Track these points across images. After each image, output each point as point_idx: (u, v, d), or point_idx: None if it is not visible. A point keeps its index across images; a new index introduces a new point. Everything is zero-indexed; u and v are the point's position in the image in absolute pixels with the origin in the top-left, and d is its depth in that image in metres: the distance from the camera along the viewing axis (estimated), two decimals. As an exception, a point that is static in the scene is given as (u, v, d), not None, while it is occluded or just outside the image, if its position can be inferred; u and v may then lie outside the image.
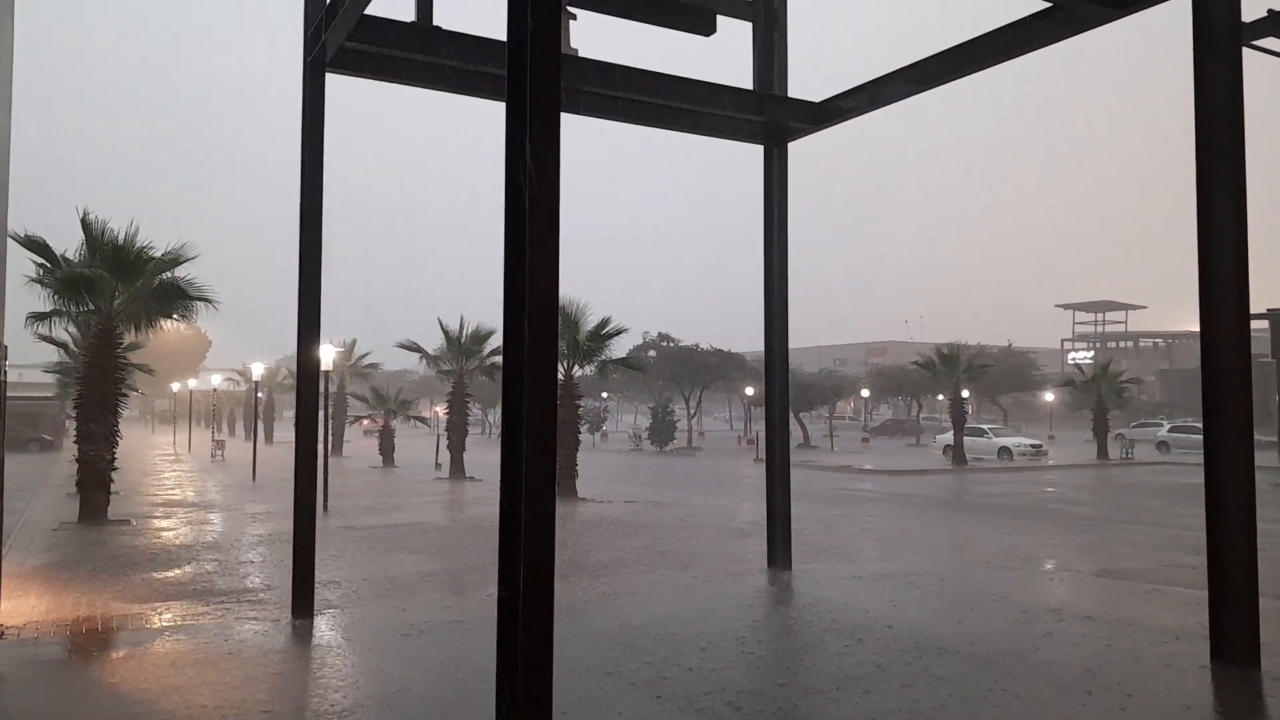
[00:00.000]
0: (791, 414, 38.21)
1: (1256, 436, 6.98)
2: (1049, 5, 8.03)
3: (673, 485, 27.25)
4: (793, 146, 11.19)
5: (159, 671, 6.82)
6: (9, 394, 9.03)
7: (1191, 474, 28.77)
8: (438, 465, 32.56)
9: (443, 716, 5.80)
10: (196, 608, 9.30)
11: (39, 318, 17.79)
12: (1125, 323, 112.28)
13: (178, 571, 11.52)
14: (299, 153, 8.94)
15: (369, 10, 7.98)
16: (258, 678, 6.65)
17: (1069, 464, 36.83)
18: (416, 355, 30.78)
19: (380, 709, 5.94)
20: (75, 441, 17.13)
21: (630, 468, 36.07)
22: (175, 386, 62.07)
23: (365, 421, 37.72)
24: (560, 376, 23.21)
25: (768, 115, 10.71)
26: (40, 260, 16.82)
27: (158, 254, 17.27)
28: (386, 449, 34.83)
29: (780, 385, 11.34)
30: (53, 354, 29.64)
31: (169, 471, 31.64)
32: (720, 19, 10.24)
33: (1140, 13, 7.81)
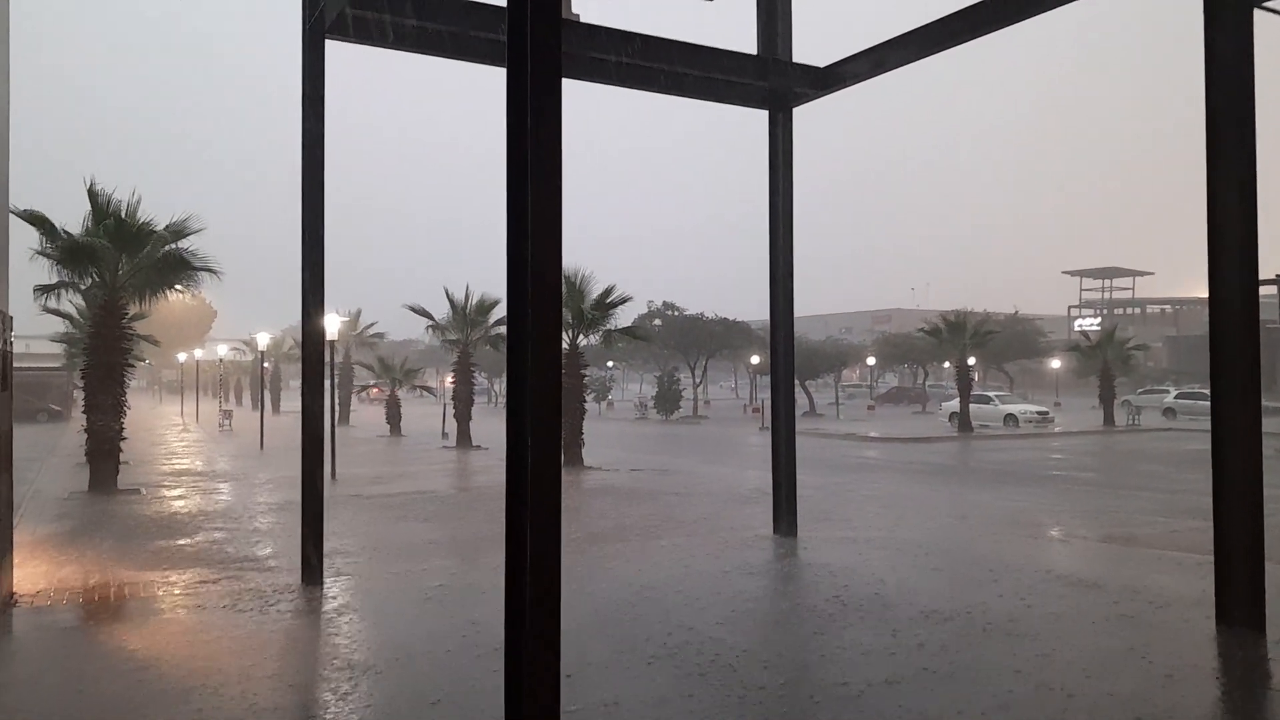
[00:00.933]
0: (797, 382, 38.24)
1: (1264, 402, 6.96)
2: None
3: (678, 453, 27.33)
4: (798, 112, 11.09)
5: (170, 637, 6.91)
6: (16, 365, 9.07)
7: (1197, 440, 28.76)
8: (444, 434, 32.70)
9: (452, 680, 5.87)
10: (207, 575, 9.40)
11: (45, 290, 17.83)
12: (1132, 289, 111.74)
13: (187, 540, 11.63)
14: (300, 120, 8.90)
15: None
16: (268, 643, 6.73)
17: (1075, 430, 36.84)
18: (422, 325, 30.81)
19: (390, 671, 6.01)
20: (83, 412, 17.23)
21: (636, 436, 36.19)
22: (181, 357, 62.24)
23: (375, 390, 37.78)
24: (565, 346, 23.27)
25: (771, 80, 10.61)
26: (41, 235, 16.81)
27: (160, 226, 17.26)
28: (393, 418, 34.96)
29: (785, 353, 11.33)
30: (59, 324, 29.73)
31: (177, 441, 31.83)
32: (724, -17, 10.11)
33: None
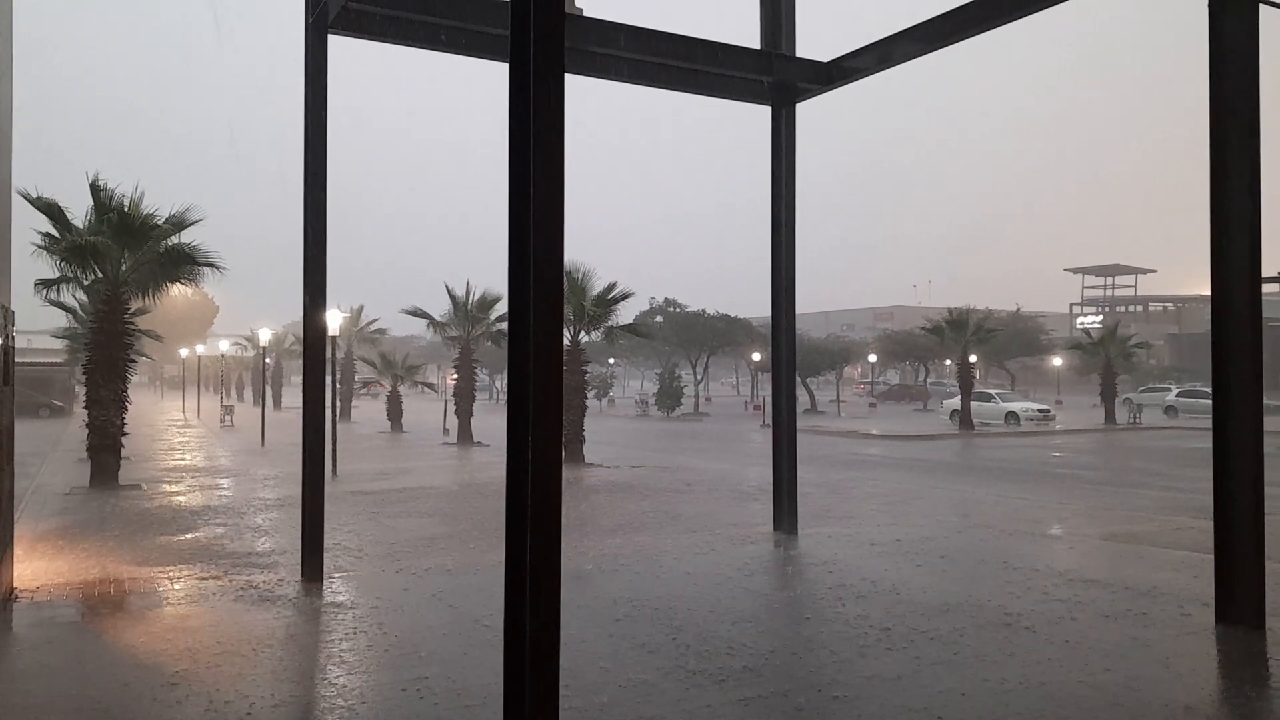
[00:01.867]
0: (798, 379, 38.16)
1: (1266, 401, 6.94)
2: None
3: (680, 450, 27.32)
4: (802, 108, 11.07)
5: (171, 633, 6.91)
6: (18, 359, 9.06)
7: (1199, 438, 28.73)
8: (446, 431, 32.70)
9: (453, 675, 5.87)
10: (208, 571, 9.39)
11: (47, 284, 17.83)
12: (1135, 287, 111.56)
13: (189, 535, 11.63)
14: (302, 115, 8.88)
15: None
16: (268, 638, 6.73)
17: (1076, 428, 36.80)
18: (424, 321, 30.80)
19: (390, 667, 6.01)
20: (85, 407, 17.23)
21: (637, 433, 36.17)
22: (183, 352, 62.29)
23: (382, 384, 37.80)
24: (567, 342, 23.25)
25: (775, 75, 10.58)
26: (46, 231, 16.80)
27: (162, 220, 17.25)
28: (394, 414, 34.94)
29: (787, 350, 11.32)
30: (61, 319, 29.74)
31: (178, 437, 31.84)
32: (727, -22, 10.09)
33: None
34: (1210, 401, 7.06)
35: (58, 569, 9.37)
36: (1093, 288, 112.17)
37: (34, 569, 9.27)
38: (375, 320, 48.42)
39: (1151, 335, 75.21)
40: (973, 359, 39.03)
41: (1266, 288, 7.57)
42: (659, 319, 57.38)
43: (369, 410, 46.58)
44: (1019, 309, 74.33)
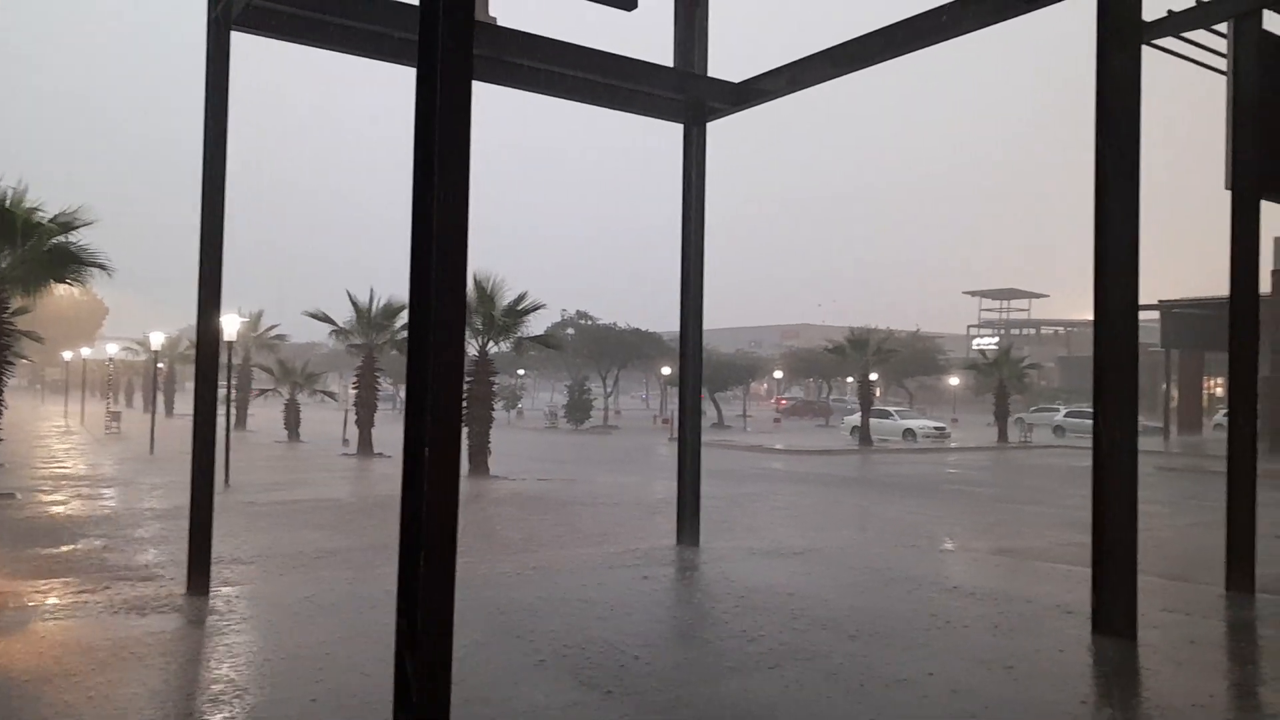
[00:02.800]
0: (705, 393, 38.48)
1: (1143, 422, 7.31)
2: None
3: (587, 463, 27.27)
4: (713, 127, 11.21)
5: (41, 652, 6.53)
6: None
7: (1084, 457, 30.07)
8: (345, 441, 31.90)
9: (339, 690, 5.69)
10: (85, 585, 8.92)
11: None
12: (1029, 310, 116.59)
13: (66, 547, 11.04)
14: (202, 114, 8.57)
15: (277, -35, 7.67)
16: (146, 655, 6.42)
17: (971, 446, 38.16)
18: (325, 329, 30.04)
19: (274, 684, 5.79)
20: (-46, 411, 16.23)
21: (545, 445, 35.95)
22: (68, 355, 59.30)
23: (281, 392, 36.70)
24: (475, 352, 23.00)
25: (687, 94, 10.70)
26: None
27: (48, 217, 16.42)
28: (292, 423, 33.95)
29: (694, 365, 11.41)
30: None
31: (59, 444, 30.26)
32: (642, -6, 10.15)
33: (1052, 6, 8.00)
34: (1092, 421, 7.40)
35: (-83, 583, 8.78)
36: (989, 310, 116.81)
37: (-110, 583, 8.66)
38: (275, 326, 47.02)
39: (1043, 357, 78.66)
40: (873, 377, 40.14)
41: (1143, 314, 7.99)
42: (570, 331, 57.32)
43: (266, 418, 45.15)
44: (918, 329, 76.82)
